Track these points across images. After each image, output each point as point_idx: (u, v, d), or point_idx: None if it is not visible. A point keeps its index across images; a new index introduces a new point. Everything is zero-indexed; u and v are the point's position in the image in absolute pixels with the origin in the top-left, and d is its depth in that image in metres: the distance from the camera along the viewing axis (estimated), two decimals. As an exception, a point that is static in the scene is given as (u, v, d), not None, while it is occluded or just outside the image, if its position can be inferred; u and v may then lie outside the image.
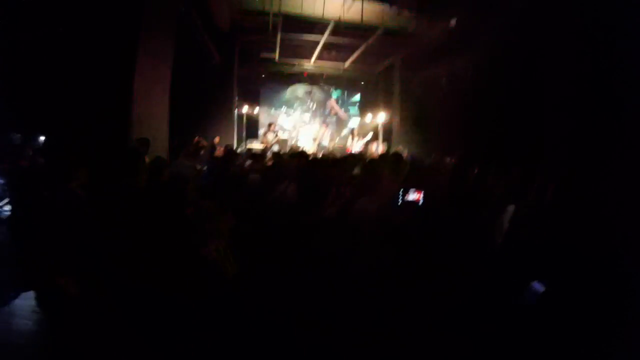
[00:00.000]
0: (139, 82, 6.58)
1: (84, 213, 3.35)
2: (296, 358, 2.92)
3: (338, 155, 11.70)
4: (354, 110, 18.00)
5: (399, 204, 3.20)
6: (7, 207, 5.43)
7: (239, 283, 3.28)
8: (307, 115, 17.58)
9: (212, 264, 3.18)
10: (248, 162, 8.11)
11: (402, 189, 3.22)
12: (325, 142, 14.46)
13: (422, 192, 3.20)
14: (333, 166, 5.21)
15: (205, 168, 8.32)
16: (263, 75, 16.33)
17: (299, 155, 6.27)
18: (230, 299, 3.16)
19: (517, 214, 3.80)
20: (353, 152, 12.55)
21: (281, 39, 12.33)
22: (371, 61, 14.93)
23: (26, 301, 3.95)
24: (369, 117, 16.53)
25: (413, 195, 3.19)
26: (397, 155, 7.01)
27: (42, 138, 10.01)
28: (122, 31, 6.36)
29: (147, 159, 3.73)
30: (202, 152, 11.09)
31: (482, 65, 10.79)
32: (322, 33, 11.72)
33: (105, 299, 2.88)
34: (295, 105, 17.51)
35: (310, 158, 5.93)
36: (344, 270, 3.26)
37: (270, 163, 6.63)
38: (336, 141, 15.41)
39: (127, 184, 3.44)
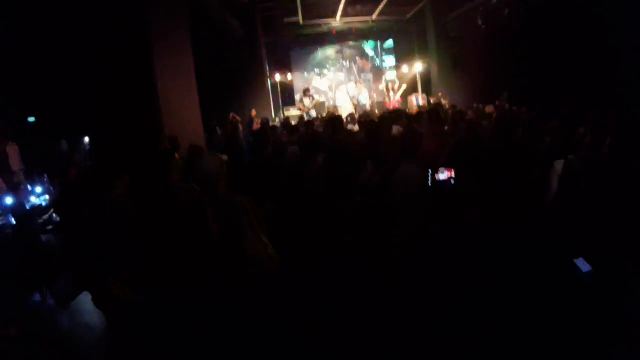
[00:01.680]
0: (161, 76, 6.51)
1: (129, 220, 3.43)
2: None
3: (377, 112, 11.46)
4: (390, 60, 17.32)
5: (430, 185, 2.95)
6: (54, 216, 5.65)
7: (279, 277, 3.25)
8: (342, 75, 17.11)
9: (252, 258, 3.14)
10: (285, 134, 8.01)
11: (430, 169, 2.96)
12: (364, 100, 14.04)
13: (453, 170, 2.92)
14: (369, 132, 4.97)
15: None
16: (290, 41, 15.91)
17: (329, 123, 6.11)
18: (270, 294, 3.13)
19: (568, 170, 3.48)
20: (391, 107, 12.14)
21: (302, 1, 11.88)
22: (400, 8, 14.21)
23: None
24: (405, 67, 15.95)
25: (443, 175, 2.93)
26: (436, 108, 6.70)
27: (87, 140, 10.32)
28: (133, 29, 6.28)
29: (177, 157, 3.71)
30: (240, 127, 11.16)
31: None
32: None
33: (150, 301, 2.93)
34: (328, 65, 17.07)
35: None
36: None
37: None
38: (375, 97, 14.96)
39: (162, 186, 3.48)
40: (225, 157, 3.36)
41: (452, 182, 2.92)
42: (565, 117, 6.57)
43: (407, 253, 3.02)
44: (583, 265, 2.49)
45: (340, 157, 3.55)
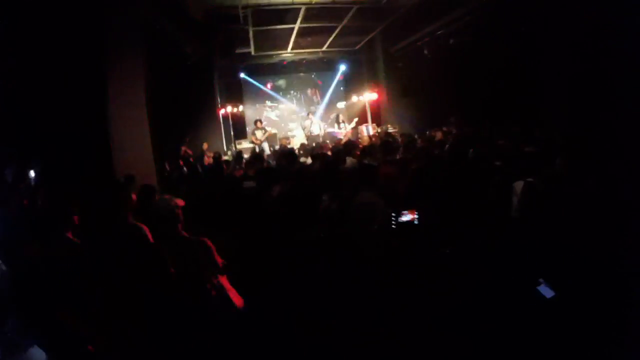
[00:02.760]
0: (113, 110, 6.33)
1: (82, 261, 3.23)
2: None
3: (329, 142, 11.53)
4: (340, 91, 17.57)
5: (393, 226, 2.93)
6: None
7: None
8: (293, 105, 17.19)
9: (216, 299, 3.01)
10: (237, 169, 7.88)
11: (393, 212, 2.95)
12: (316, 130, 14.12)
13: (416, 211, 2.91)
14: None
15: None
16: (242, 72, 15.85)
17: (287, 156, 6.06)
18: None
19: (529, 191, 3.58)
20: (342, 138, 12.25)
21: (254, 32, 11.92)
22: (350, 40, 14.52)
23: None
24: (354, 97, 16.23)
25: (406, 217, 2.91)
26: (387, 139, 6.83)
27: (32, 173, 9.70)
28: (86, 63, 6.07)
29: (134, 196, 3.59)
30: (191, 160, 10.91)
31: (467, 25, 10.48)
32: (295, 21, 11.31)
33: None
34: (280, 96, 17.12)
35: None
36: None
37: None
38: (325, 128, 15.11)
39: (116, 224, 3.36)
40: (181, 202, 3.23)
41: (416, 222, 2.90)
42: (513, 135, 6.83)
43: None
44: (545, 291, 2.50)
45: (299, 189, 3.51)
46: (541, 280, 2.69)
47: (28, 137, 6.95)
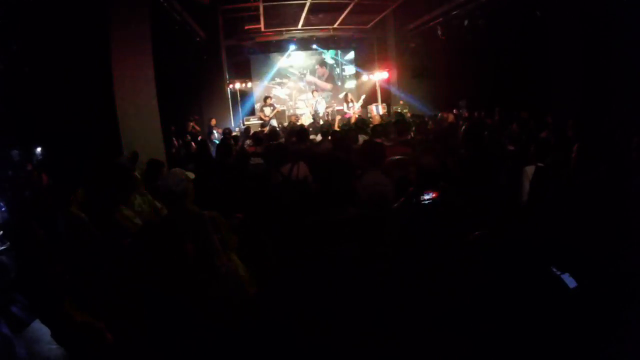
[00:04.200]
0: (119, 84, 6.24)
1: (88, 236, 3.21)
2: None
3: (337, 121, 11.43)
4: (350, 69, 17.33)
5: (412, 205, 2.83)
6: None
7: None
8: (302, 83, 17.00)
9: (225, 278, 2.96)
10: (247, 143, 7.81)
11: (416, 191, 2.85)
12: (322, 109, 13.99)
13: (439, 192, 2.81)
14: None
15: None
16: (251, 48, 15.64)
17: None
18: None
19: (539, 176, 3.54)
20: (351, 116, 12.11)
21: (264, 8, 11.71)
22: (362, 18, 14.26)
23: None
24: (365, 76, 16.01)
25: (428, 196, 2.81)
26: (402, 119, 6.72)
27: (39, 150, 9.70)
28: (92, 35, 5.97)
29: (136, 174, 3.54)
30: (199, 136, 10.85)
31: (482, 7, 10.24)
32: (306, -4, 11.10)
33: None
34: (289, 74, 16.92)
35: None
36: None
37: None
38: (334, 106, 14.93)
39: (120, 201, 3.32)
40: (191, 175, 3.16)
41: (437, 202, 2.81)
42: (524, 121, 6.74)
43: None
44: (569, 281, 2.44)
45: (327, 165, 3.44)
46: (556, 269, 2.63)
47: (34, 117, 6.92)
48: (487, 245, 2.69)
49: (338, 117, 12.04)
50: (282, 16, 13.09)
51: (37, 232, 3.25)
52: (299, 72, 16.86)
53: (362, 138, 5.68)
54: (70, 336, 2.74)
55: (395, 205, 3.04)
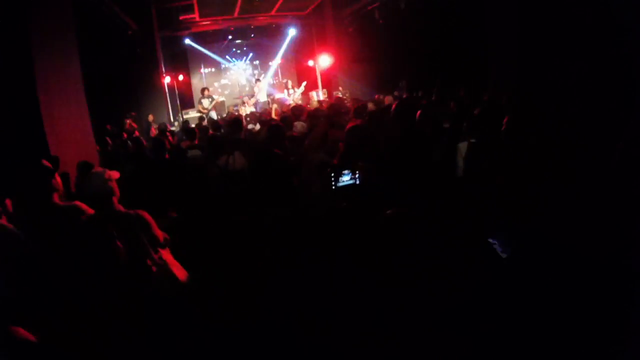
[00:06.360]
0: (42, 84, 5.86)
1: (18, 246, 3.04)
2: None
3: (276, 109, 11.36)
4: (289, 56, 17.22)
5: (333, 188, 2.86)
6: None
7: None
8: (242, 72, 16.76)
9: (158, 275, 2.89)
10: (184, 139, 7.63)
11: (332, 172, 2.87)
12: (263, 98, 13.89)
13: (357, 172, 2.85)
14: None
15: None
16: (187, 38, 15.21)
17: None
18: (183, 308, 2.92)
19: (472, 151, 3.63)
20: (291, 104, 12.07)
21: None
22: (299, 4, 14.19)
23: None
24: (305, 63, 15.97)
25: (347, 176, 2.85)
26: (336, 102, 6.74)
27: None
28: (11, 35, 5.60)
29: (58, 176, 3.37)
30: (136, 133, 10.49)
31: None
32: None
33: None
34: (228, 64, 16.63)
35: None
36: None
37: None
38: (274, 95, 14.84)
39: (42, 206, 3.19)
40: (115, 174, 3.06)
41: (356, 181, 2.84)
42: (460, 99, 6.90)
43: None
44: (502, 250, 2.53)
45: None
46: (492, 240, 2.72)
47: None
48: (402, 221, 2.74)
49: (274, 106, 11.94)
50: (217, 5, 12.80)
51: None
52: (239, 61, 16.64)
53: (299, 124, 5.67)
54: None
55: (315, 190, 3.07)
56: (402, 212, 2.83)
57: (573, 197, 2.80)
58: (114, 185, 3.02)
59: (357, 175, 2.82)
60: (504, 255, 2.66)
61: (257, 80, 14.58)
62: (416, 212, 2.92)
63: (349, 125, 3.42)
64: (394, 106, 4.32)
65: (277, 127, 4.72)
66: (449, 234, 2.86)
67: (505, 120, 3.66)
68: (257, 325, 2.91)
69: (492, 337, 2.46)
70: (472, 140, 3.85)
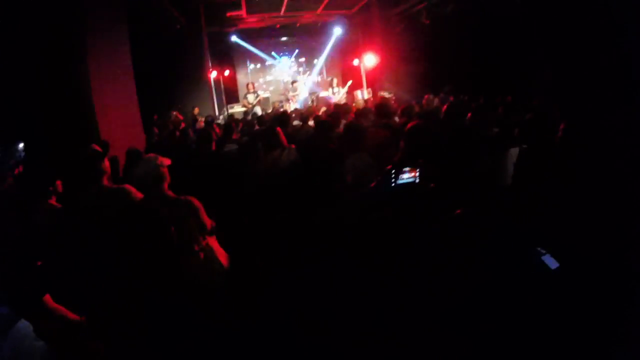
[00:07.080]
0: (96, 79, 6.08)
1: (65, 228, 3.19)
2: (295, 358, 2.73)
3: (321, 108, 11.30)
4: (335, 55, 17.16)
5: (392, 186, 2.74)
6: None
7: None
8: (287, 70, 16.83)
9: (204, 261, 2.89)
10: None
11: (393, 170, 2.76)
12: (303, 95, 13.93)
13: (418, 170, 2.73)
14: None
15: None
16: (233, 34, 15.39)
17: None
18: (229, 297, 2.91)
19: (524, 157, 3.47)
20: (335, 103, 11.99)
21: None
22: (345, 3, 14.12)
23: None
24: (350, 62, 15.88)
25: (407, 175, 2.73)
26: (383, 102, 6.61)
27: (21, 145, 9.49)
28: (67, 28, 5.81)
29: (107, 161, 3.46)
30: (182, 125, 10.65)
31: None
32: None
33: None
34: (273, 61, 16.73)
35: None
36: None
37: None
38: (318, 92, 14.80)
39: (91, 190, 3.31)
40: (166, 161, 3.09)
41: (416, 180, 2.74)
42: (509, 105, 6.69)
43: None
44: (550, 261, 2.39)
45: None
46: (541, 249, 2.58)
47: (12, 110, 6.76)
48: (469, 222, 2.63)
49: (323, 109, 11.91)
50: (264, 2, 12.88)
51: (13, 226, 3.19)
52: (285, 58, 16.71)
53: (344, 123, 5.58)
54: (52, 331, 2.66)
55: (372, 184, 2.98)
56: (470, 211, 2.72)
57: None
58: (165, 171, 3.05)
59: (417, 174, 2.71)
60: (552, 267, 2.52)
61: (294, 82, 14.60)
62: (482, 211, 2.81)
63: (409, 125, 3.32)
64: (444, 107, 4.20)
65: (326, 122, 4.66)
66: (500, 237, 2.74)
67: (561, 126, 3.51)
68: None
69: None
70: (524, 147, 3.72)
